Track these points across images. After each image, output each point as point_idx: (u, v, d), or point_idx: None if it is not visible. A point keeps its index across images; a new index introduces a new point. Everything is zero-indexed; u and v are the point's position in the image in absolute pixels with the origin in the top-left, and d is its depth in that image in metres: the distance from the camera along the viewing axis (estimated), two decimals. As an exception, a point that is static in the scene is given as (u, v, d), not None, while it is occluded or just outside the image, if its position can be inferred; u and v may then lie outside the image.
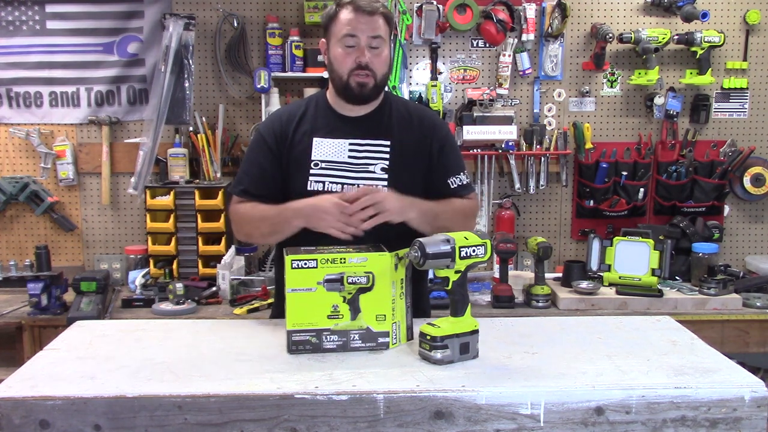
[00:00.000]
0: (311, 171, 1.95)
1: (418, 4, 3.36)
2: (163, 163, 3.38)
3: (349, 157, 1.97)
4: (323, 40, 1.99)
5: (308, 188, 1.95)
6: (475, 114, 3.37)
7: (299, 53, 3.33)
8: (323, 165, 1.96)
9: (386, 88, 2.06)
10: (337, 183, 1.94)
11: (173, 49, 3.26)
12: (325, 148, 1.97)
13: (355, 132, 1.99)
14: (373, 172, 1.96)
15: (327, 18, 1.95)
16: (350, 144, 1.98)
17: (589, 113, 3.52)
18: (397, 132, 2.00)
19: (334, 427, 1.38)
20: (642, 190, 3.48)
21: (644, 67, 3.39)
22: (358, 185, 1.93)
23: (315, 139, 1.98)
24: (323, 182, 1.95)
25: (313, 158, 1.96)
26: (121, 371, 1.49)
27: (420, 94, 3.45)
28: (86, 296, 2.90)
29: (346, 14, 1.90)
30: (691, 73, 3.44)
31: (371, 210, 1.77)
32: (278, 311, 2.09)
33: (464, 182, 2.05)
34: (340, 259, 1.59)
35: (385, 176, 1.95)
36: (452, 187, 2.02)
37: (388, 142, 1.98)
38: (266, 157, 2.01)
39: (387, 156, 1.97)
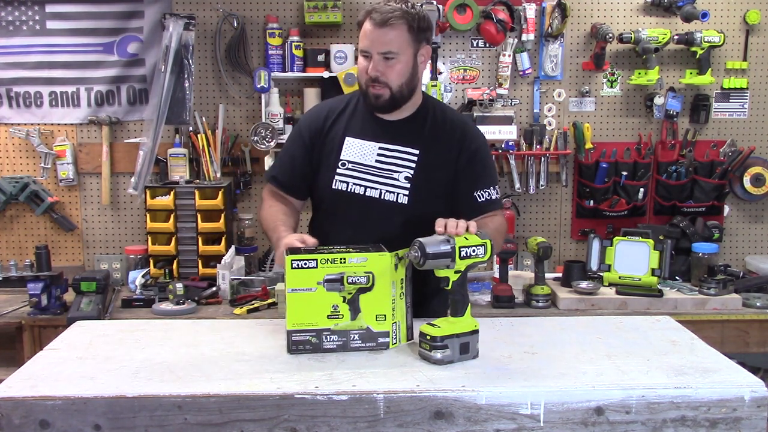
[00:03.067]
0: (338, 170, 1.98)
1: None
2: (163, 163, 3.38)
3: (377, 161, 1.98)
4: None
5: (332, 186, 1.99)
6: (475, 114, 3.37)
7: (299, 53, 3.33)
8: (350, 165, 1.98)
9: (423, 93, 2.05)
10: (360, 185, 1.97)
11: (173, 49, 3.26)
12: (354, 149, 1.99)
13: (386, 136, 1.99)
14: (396, 179, 1.96)
15: (358, 26, 1.97)
16: (380, 148, 1.98)
17: (589, 113, 3.52)
18: (429, 141, 1.99)
19: (334, 427, 1.38)
20: (642, 190, 3.48)
21: (644, 67, 3.39)
22: (380, 192, 1.96)
23: (347, 139, 2.00)
24: (347, 183, 1.98)
25: (341, 157, 1.99)
26: (121, 371, 1.49)
27: (420, 94, 3.45)
28: (86, 296, 2.90)
29: (365, 26, 1.91)
30: (691, 73, 3.44)
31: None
32: None
33: (493, 197, 2.00)
34: (340, 259, 1.59)
35: (408, 185, 1.95)
36: (479, 200, 1.98)
37: (417, 151, 1.97)
38: (299, 149, 2.06)
39: (413, 165, 1.96)
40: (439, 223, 1.60)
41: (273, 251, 3.23)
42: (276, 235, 1.89)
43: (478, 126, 3.30)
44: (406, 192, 1.95)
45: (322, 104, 2.15)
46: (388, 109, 1.96)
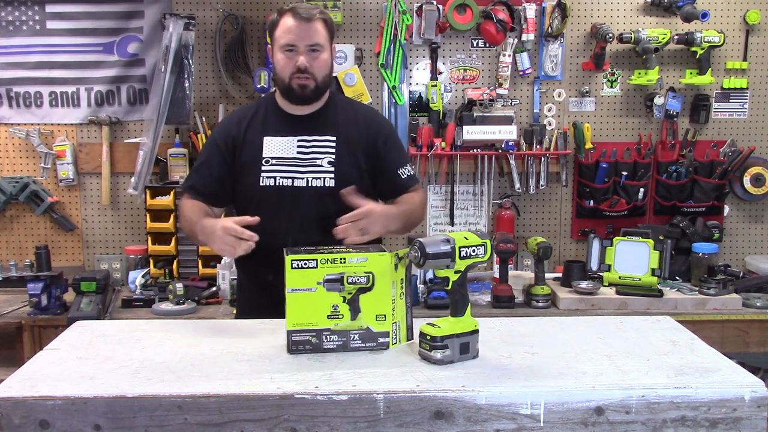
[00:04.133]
0: (262, 168, 2.07)
1: (418, 4, 3.36)
2: (163, 163, 3.38)
3: (298, 152, 2.08)
4: (269, 46, 2.10)
5: (261, 184, 2.07)
6: (475, 114, 3.37)
7: (299, 53, 3.33)
8: (273, 161, 2.08)
9: (330, 89, 2.18)
10: (287, 177, 2.06)
11: (173, 49, 3.26)
12: (275, 146, 2.09)
13: (302, 129, 2.10)
14: (321, 166, 2.07)
15: (270, 25, 2.08)
16: (298, 141, 2.09)
17: (589, 113, 3.53)
18: (343, 128, 2.12)
19: (334, 427, 1.38)
20: (642, 190, 3.48)
21: (644, 67, 3.39)
22: (307, 180, 2.06)
23: (266, 138, 2.10)
24: (274, 177, 2.07)
25: (264, 156, 2.08)
26: (121, 371, 1.49)
27: (420, 94, 3.45)
28: (86, 296, 2.90)
29: (286, 22, 2.02)
30: (691, 73, 3.44)
31: (358, 234, 1.85)
32: (242, 310, 2.25)
33: (412, 173, 2.19)
34: (340, 259, 1.59)
35: (332, 169, 2.07)
36: (403, 177, 2.16)
37: (334, 138, 2.10)
38: (215, 158, 2.14)
39: (333, 150, 2.08)
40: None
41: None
42: (206, 224, 1.93)
43: (477, 126, 3.35)
44: (332, 175, 2.07)
45: (231, 114, 2.24)
46: (312, 99, 2.08)
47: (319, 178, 2.07)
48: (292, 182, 2.07)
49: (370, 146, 2.13)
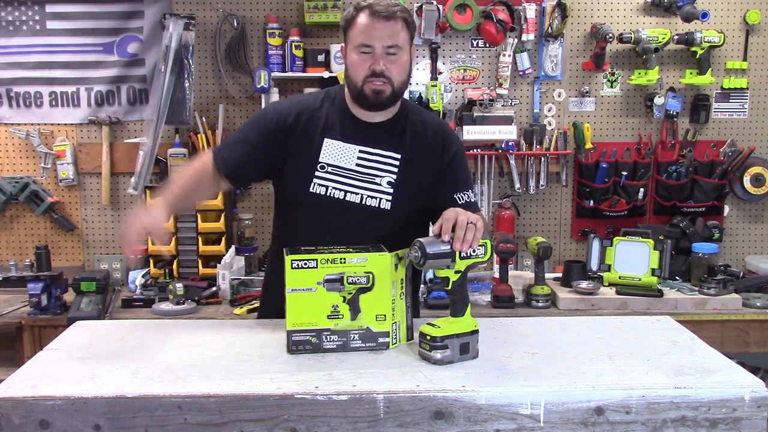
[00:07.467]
0: (316, 173, 1.90)
1: (418, 4, 3.36)
2: (163, 163, 3.38)
3: (357, 165, 1.90)
4: (342, 44, 1.93)
5: (310, 190, 1.90)
6: (475, 114, 3.37)
7: (299, 53, 3.33)
8: (329, 168, 1.90)
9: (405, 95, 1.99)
10: (340, 190, 1.90)
11: (173, 49, 3.26)
12: (334, 152, 1.91)
13: (367, 139, 1.92)
14: (379, 185, 1.90)
15: (345, 22, 1.88)
16: (360, 151, 1.91)
17: (589, 113, 3.52)
18: (409, 146, 1.94)
19: (334, 427, 1.38)
20: (642, 190, 3.48)
21: (644, 67, 3.39)
22: (361, 197, 1.90)
23: (326, 140, 1.92)
24: (326, 186, 1.90)
25: (320, 160, 1.91)
26: (121, 371, 1.49)
27: (420, 94, 3.45)
28: (86, 296, 2.90)
29: (362, 19, 1.83)
30: (691, 73, 3.44)
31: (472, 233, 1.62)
32: (265, 310, 2.11)
33: (472, 200, 1.96)
34: (340, 259, 1.59)
35: (390, 191, 1.90)
36: (459, 203, 1.91)
37: (399, 156, 1.92)
38: (260, 140, 1.94)
39: (395, 170, 1.91)
40: (445, 230, 1.55)
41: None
42: (155, 202, 1.91)
43: (477, 125, 3.35)
44: (389, 197, 1.89)
45: (292, 100, 2.02)
46: (386, 105, 1.90)
47: (375, 198, 1.89)
48: (344, 196, 1.89)
49: (434, 165, 1.94)
